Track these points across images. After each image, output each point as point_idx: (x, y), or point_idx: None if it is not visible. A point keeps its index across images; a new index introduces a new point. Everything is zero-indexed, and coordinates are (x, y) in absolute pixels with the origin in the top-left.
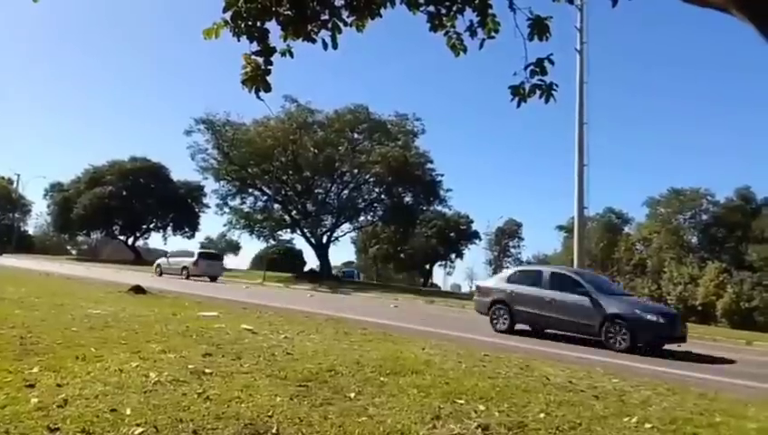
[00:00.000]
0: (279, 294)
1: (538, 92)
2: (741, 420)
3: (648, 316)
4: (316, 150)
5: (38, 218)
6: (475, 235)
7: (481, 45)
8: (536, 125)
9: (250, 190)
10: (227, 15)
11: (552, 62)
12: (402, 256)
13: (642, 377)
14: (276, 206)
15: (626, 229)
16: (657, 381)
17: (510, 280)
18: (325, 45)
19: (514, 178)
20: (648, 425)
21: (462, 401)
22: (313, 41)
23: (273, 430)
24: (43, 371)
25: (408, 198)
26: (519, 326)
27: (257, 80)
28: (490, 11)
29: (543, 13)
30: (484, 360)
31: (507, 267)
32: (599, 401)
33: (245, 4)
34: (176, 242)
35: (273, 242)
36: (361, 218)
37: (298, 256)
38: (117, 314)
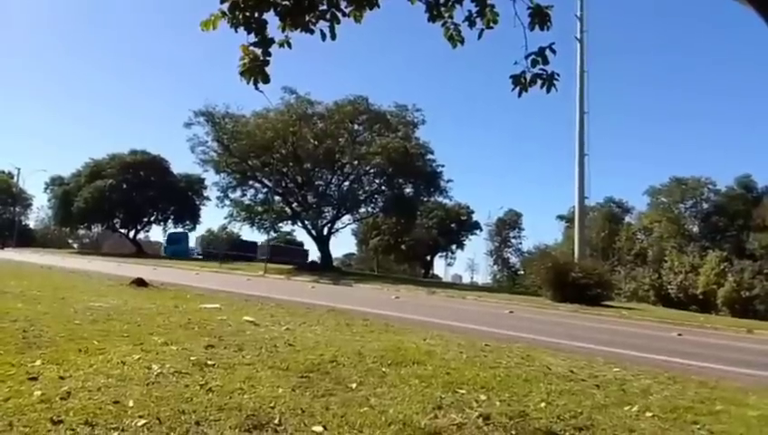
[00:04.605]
0: (280, 285)
1: (539, 82)
2: (742, 408)
3: None
4: (316, 142)
5: (39, 212)
6: (476, 225)
7: (480, 36)
8: (537, 115)
9: (250, 182)
10: (225, 6)
11: (553, 52)
12: (403, 247)
13: (643, 366)
14: (277, 198)
15: (627, 219)
16: (657, 369)
17: None
18: (323, 36)
19: (515, 169)
20: (648, 414)
21: (463, 391)
22: (311, 31)
23: (276, 421)
24: (46, 363)
25: (408, 190)
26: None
27: (256, 71)
28: (489, 1)
29: (544, 1)
30: (485, 350)
31: (508, 258)
32: (599, 391)
33: None
34: None
35: (274, 234)
36: (362, 210)
37: (305, 250)
38: (119, 307)
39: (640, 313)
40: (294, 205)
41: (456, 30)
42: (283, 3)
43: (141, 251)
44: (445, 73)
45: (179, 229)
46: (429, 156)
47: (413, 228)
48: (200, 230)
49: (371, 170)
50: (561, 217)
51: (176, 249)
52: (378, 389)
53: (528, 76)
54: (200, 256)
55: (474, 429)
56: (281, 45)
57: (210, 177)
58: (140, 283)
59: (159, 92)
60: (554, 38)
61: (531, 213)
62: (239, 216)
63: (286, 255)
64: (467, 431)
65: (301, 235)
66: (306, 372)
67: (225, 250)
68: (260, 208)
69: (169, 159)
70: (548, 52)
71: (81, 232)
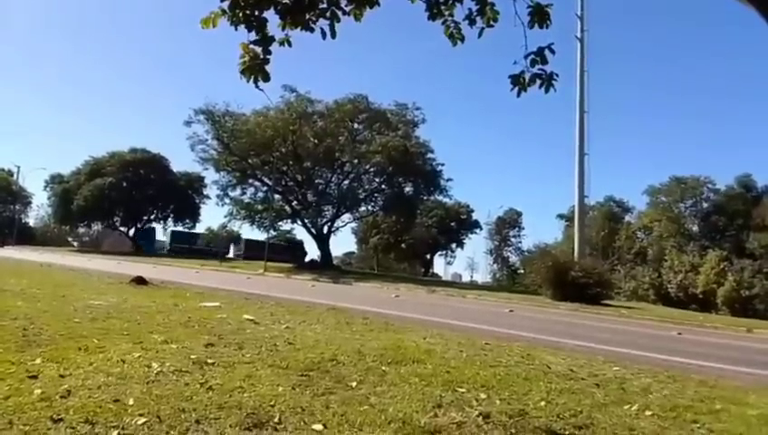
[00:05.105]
0: (280, 284)
1: (538, 82)
2: (741, 407)
3: None
4: (316, 140)
5: (39, 210)
6: (476, 224)
7: (480, 34)
8: (537, 114)
9: (250, 181)
10: (225, 4)
11: (552, 52)
12: (403, 245)
13: (643, 365)
14: (277, 196)
15: (627, 218)
16: (657, 368)
17: None
18: (324, 34)
19: (515, 168)
20: (648, 412)
21: (463, 390)
22: (312, 30)
23: (276, 420)
24: (46, 362)
25: (408, 188)
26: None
27: (256, 69)
28: None
29: (543, 0)
30: (485, 348)
31: (507, 256)
32: (599, 389)
33: None
34: None
35: (273, 232)
36: (362, 208)
37: (299, 247)
38: (119, 305)
39: (640, 312)
40: (294, 203)
41: (457, 28)
42: (284, 1)
43: (141, 249)
44: (445, 72)
45: (152, 225)
46: (429, 155)
47: (413, 227)
48: (200, 228)
49: (371, 169)
50: (561, 216)
51: (145, 245)
52: (378, 387)
53: (527, 76)
54: (167, 251)
55: (474, 427)
56: (281, 44)
57: (210, 175)
58: (140, 281)
59: (160, 90)
60: (554, 37)
61: (531, 212)
62: (239, 214)
63: (270, 251)
64: (467, 430)
65: (301, 233)
66: (306, 371)
67: (193, 246)
68: (260, 207)
69: (169, 157)
70: (547, 52)
71: (81, 230)
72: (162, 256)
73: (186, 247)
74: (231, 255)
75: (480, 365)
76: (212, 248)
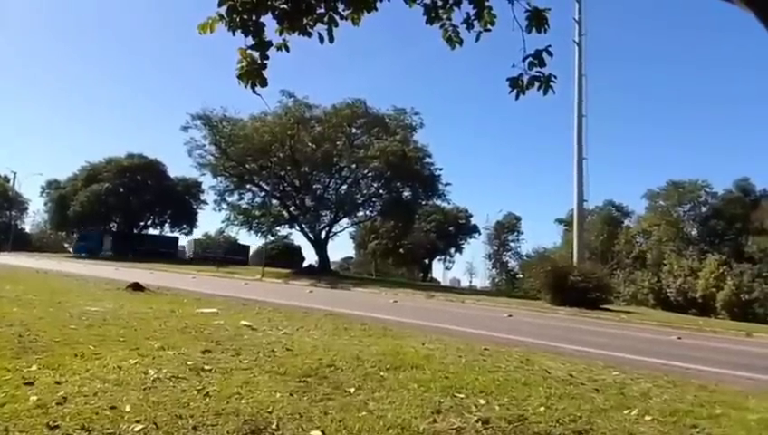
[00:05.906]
0: (278, 289)
1: (536, 84)
2: (741, 412)
3: None
4: (314, 145)
5: (35, 216)
6: (475, 229)
7: (477, 38)
8: (536, 119)
9: (248, 186)
10: (222, 10)
11: (550, 54)
12: (401, 250)
13: (642, 369)
14: (274, 201)
15: (626, 222)
16: (657, 373)
17: None
18: (321, 39)
19: (514, 172)
20: (648, 417)
21: (462, 395)
22: (309, 35)
23: (273, 426)
24: (42, 368)
25: (406, 193)
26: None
27: (253, 74)
28: (486, 3)
29: (541, 4)
30: (484, 354)
31: (506, 261)
32: (599, 394)
33: None
34: None
35: (271, 238)
36: (360, 213)
37: (296, 252)
38: (115, 312)
39: (639, 316)
40: (292, 208)
41: (455, 32)
42: (281, 6)
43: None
44: (443, 76)
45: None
46: (427, 159)
47: (411, 232)
48: (197, 234)
49: (369, 174)
50: (559, 221)
51: (83, 247)
52: (376, 393)
53: (525, 79)
54: (109, 253)
55: (473, 433)
56: (278, 49)
57: (207, 180)
58: (137, 287)
59: (157, 95)
60: (552, 41)
61: (529, 216)
62: (236, 219)
63: (225, 252)
64: None
65: (298, 238)
66: (304, 377)
67: (140, 247)
68: (257, 212)
69: (167, 162)
70: (545, 54)
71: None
72: (102, 257)
73: (135, 249)
74: (188, 255)
75: (479, 371)
76: (160, 249)
